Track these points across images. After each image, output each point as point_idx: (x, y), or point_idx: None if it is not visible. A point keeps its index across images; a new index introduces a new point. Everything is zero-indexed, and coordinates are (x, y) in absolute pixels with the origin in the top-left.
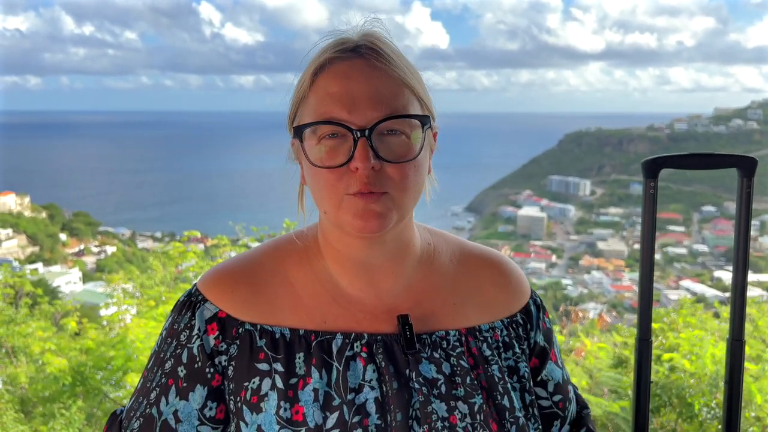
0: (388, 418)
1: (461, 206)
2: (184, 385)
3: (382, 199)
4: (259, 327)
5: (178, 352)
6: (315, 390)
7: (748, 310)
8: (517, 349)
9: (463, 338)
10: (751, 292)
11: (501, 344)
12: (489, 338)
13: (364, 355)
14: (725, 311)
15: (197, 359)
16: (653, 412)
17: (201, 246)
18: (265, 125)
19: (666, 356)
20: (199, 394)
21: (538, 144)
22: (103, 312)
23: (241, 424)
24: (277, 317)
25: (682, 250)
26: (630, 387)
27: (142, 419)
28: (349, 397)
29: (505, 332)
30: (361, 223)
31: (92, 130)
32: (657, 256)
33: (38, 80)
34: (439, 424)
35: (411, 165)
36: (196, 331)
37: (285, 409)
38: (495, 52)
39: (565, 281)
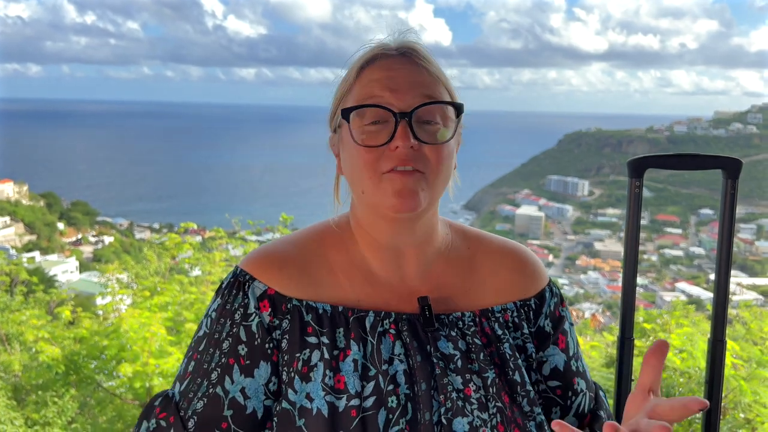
0: (416, 388)
1: (460, 204)
2: (248, 362)
3: (416, 177)
4: (304, 303)
5: (234, 331)
6: (355, 361)
7: (741, 313)
8: (525, 330)
9: (477, 319)
10: (746, 296)
11: (511, 324)
12: (500, 318)
13: (392, 331)
14: None
15: (257, 336)
16: None
17: (199, 238)
18: (267, 118)
19: None
20: (264, 369)
21: (537, 143)
22: (99, 301)
23: (290, 392)
24: (319, 294)
25: (679, 252)
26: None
27: (206, 399)
28: (383, 367)
29: (515, 313)
30: (398, 202)
31: (92, 119)
32: (653, 258)
33: (39, 68)
34: (454, 394)
35: (444, 148)
36: (252, 309)
37: (329, 378)
38: (497, 50)
39: (561, 281)
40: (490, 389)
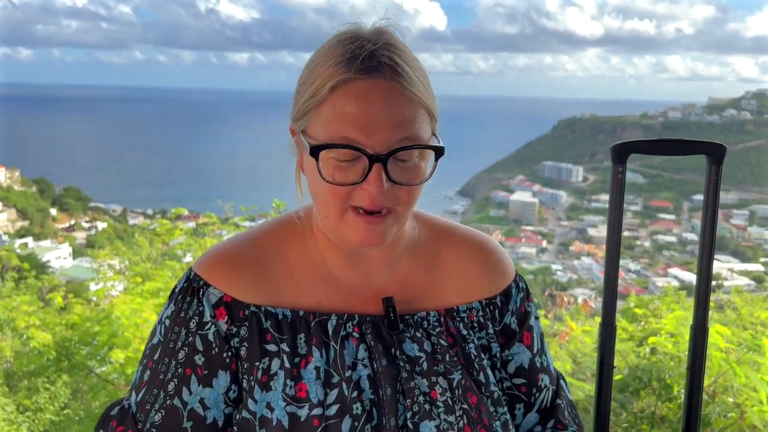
0: (380, 393)
1: (454, 190)
2: (205, 372)
3: (385, 218)
4: (263, 309)
5: (190, 340)
6: (317, 368)
7: (732, 298)
8: (490, 330)
9: (442, 318)
10: (738, 281)
11: (476, 324)
12: (465, 318)
13: (356, 335)
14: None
15: (214, 345)
16: (633, 395)
17: (192, 224)
18: (260, 104)
19: (652, 339)
20: (223, 379)
21: (532, 129)
22: (92, 287)
23: (250, 401)
24: (278, 299)
25: (672, 238)
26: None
27: (164, 411)
28: (347, 374)
29: (481, 313)
30: (361, 239)
31: (84, 104)
32: (646, 244)
33: (29, 52)
34: (421, 398)
35: (419, 185)
36: (208, 318)
37: (290, 387)
38: (493, 35)
39: (554, 267)
40: (456, 391)
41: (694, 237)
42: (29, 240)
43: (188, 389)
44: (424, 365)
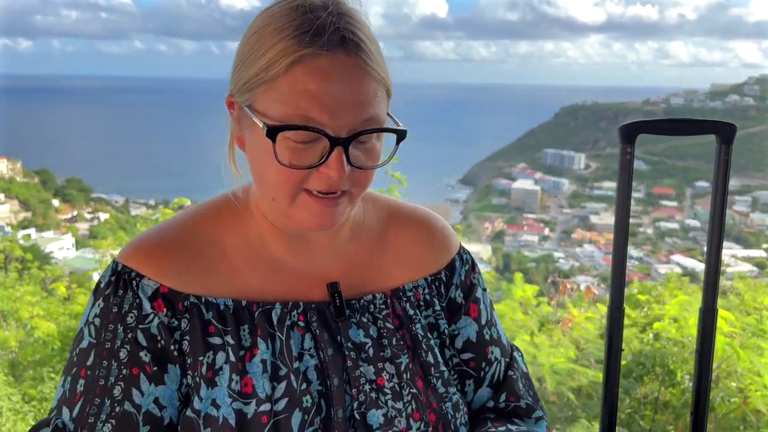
0: (328, 383)
1: (456, 179)
2: (155, 369)
3: (340, 200)
4: (203, 299)
5: (131, 336)
6: (263, 361)
7: (735, 284)
8: (437, 307)
9: (389, 300)
10: (740, 267)
11: (423, 302)
12: (412, 297)
13: (301, 324)
14: None
15: (159, 338)
16: (637, 381)
17: None
18: None
19: (657, 325)
20: (173, 373)
21: (534, 116)
22: (95, 277)
23: (195, 399)
24: (217, 287)
25: (674, 225)
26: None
27: (114, 421)
28: (294, 365)
29: (427, 290)
30: (314, 221)
31: (84, 95)
32: (649, 231)
33: (29, 43)
34: (367, 386)
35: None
36: (149, 309)
37: (236, 382)
38: (494, 22)
39: (557, 254)
40: (404, 375)
41: (696, 223)
42: (32, 231)
43: (139, 390)
44: (370, 351)
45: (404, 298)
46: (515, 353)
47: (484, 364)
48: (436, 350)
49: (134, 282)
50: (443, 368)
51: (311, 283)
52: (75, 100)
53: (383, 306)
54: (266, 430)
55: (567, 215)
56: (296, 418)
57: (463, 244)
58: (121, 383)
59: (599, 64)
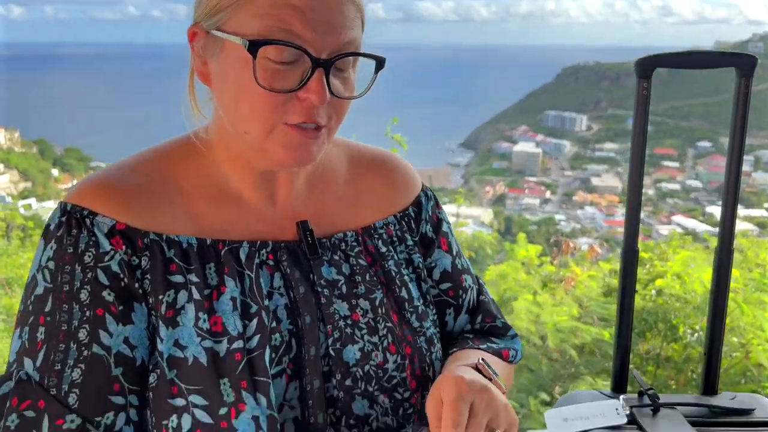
0: (299, 322)
1: (456, 143)
2: (121, 308)
3: (319, 134)
4: (164, 237)
5: (90, 276)
6: (233, 299)
7: (738, 240)
8: (410, 242)
9: (360, 238)
10: (742, 226)
11: (395, 239)
12: (383, 234)
13: (270, 262)
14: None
15: (122, 276)
16: (639, 337)
17: None
18: None
19: (659, 281)
20: (140, 312)
21: (535, 78)
22: None
23: (157, 340)
24: (180, 227)
25: (676, 186)
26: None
27: (83, 365)
28: (265, 303)
29: (397, 227)
30: (292, 156)
31: (80, 62)
32: (650, 192)
33: (21, 10)
34: (341, 322)
35: (350, 101)
36: (108, 247)
37: (204, 320)
38: None
39: (558, 217)
40: (379, 310)
41: (698, 184)
42: (32, 201)
43: (106, 332)
44: (343, 288)
45: (375, 236)
46: (480, 280)
47: (461, 292)
48: (411, 286)
49: (87, 220)
50: (417, 303)
51: (279, 223)
52: (70, 68)
53: (355, 243)
54: (241, 367)
55: (568, 177)
56: (267, 355)
57: (465, 208)
58: (86, 326)
59: (601, 24)
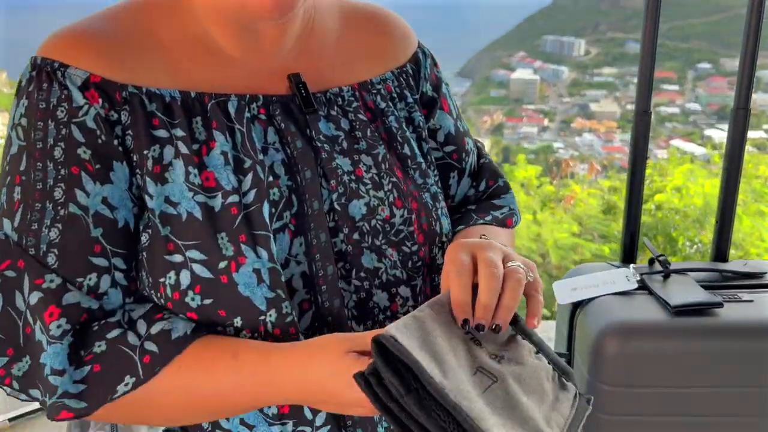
0: (298, 178)
1: (453, 71)
2: (98, 166)
3: None
4: (144, 90)
5: (64, 132)
6: (224, 153)
7: None
8: (410, 99)
9: (357, 93)
10: None
11: (395, 95)
12: (382, 90)
13: (262, 117)
14: (716, 156)
15: (98, 132)
16: (639, 250)
17: None
18: None
19: (659, 196)
20: (121, 171)
21: (533, 0)
22: None
23: (146, 197)
24: (159, 80)
25: (675, 110)
26: (618, 231)
27: (60, 225)
28: (260, 157)
29: (395, 83)
30: (271, 2)
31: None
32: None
33: None
34: (345, 177)
35: None
36: (82, 102)
37: (195, 176)
38: None
39: (556, 144)
40: (382, 165)
41: (697, 107)
42: None
43: (83, 191)
44: (344, 144)
45: (373, 91)
46: (478, 143)
47: (464, 155)
48: (413, 143)
49: (58, 73)
50: (420, 160)
51: (268, 77)
52: (64, 13)
53: (352, 98)
54: (238, 221)
55: (566, 104)
56: (265, 209)
57: None
58: (62, 184)
59: None
